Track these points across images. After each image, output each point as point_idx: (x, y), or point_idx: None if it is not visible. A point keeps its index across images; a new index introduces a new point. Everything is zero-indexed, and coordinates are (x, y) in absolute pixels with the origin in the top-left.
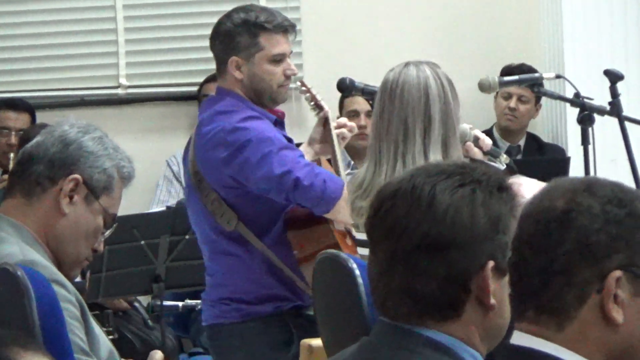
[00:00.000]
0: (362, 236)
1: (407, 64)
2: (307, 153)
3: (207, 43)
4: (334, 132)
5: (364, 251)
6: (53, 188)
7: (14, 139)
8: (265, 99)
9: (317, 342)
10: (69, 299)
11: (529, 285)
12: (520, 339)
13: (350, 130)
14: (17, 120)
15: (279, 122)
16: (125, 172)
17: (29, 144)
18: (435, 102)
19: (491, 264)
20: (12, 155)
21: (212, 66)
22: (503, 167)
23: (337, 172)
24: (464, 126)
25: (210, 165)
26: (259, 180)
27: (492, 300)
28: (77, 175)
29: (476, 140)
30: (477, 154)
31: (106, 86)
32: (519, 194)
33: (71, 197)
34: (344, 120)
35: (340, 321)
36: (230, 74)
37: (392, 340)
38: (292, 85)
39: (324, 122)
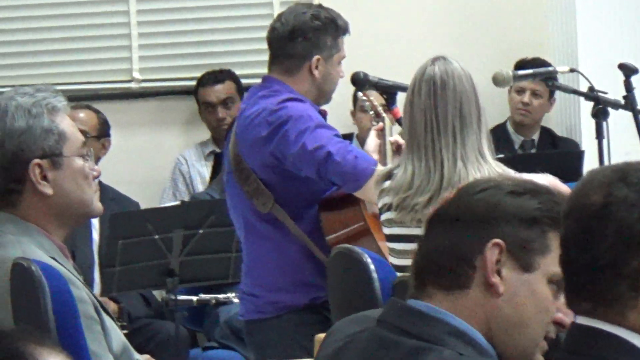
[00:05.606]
0: (391, 231)
1: (436, 59)
2: None
3: (221, 36)
4: (389, 141)
5: (392, 245)
6: (25, 185)
7: None
8: (324, 98)
9: None
10: (81, 297)
11: (578, 281)
12: (588, 322)
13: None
14: None
15: (323, 117)
16: (50, 105)
17: None
18: (478, 93)
19: (494, 241)
20: None
21: (225, 60)
22: None
23: None
24: None
25: (250, 145)
26: (294, 155)
27: (494, 279)
28: (35, 161)
29: None
30: None
31: (119, 80)
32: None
33: (44, 177)
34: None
35: None
36: (307, 71)
37: (415, 325)
38: None
39: (380, 130)
